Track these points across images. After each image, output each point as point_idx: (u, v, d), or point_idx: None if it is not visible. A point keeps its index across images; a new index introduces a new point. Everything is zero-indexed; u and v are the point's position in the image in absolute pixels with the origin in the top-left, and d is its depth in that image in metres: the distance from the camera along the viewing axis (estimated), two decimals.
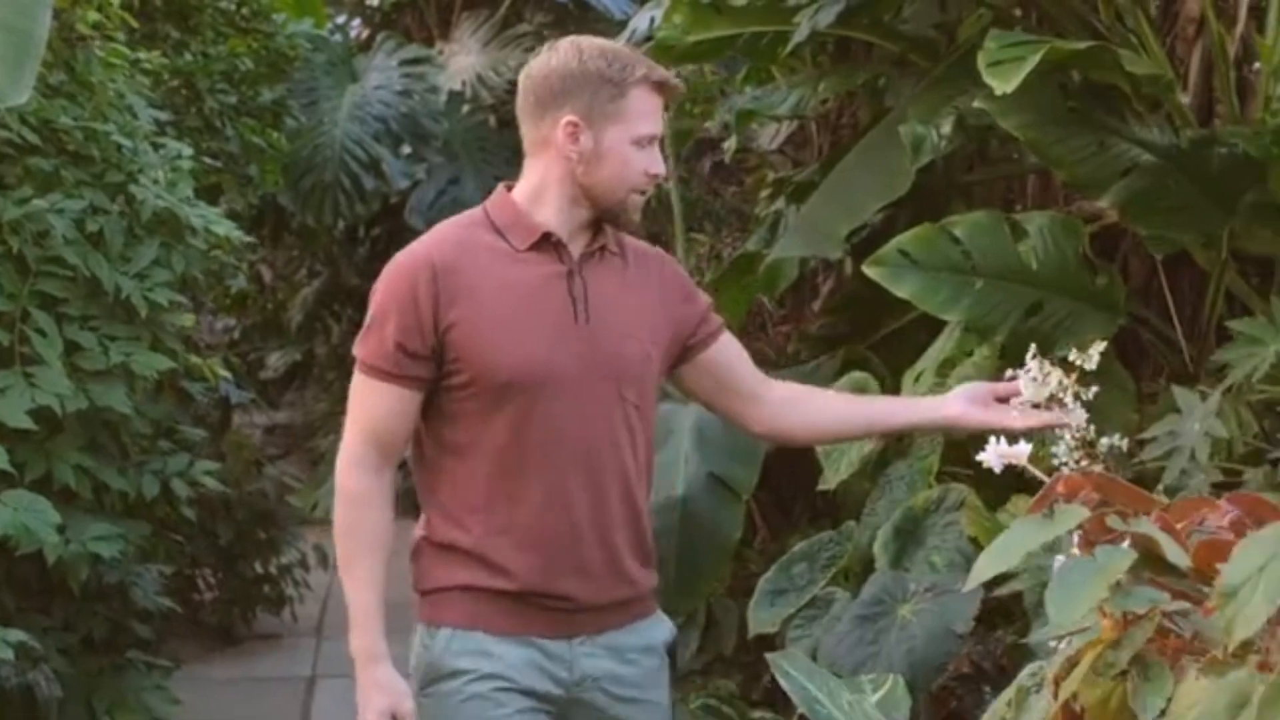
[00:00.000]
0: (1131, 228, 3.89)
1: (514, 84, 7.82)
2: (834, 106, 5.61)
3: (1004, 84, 3.35)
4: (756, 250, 4.89)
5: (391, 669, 2.67)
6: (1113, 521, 1.72)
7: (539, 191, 2.67)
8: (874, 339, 4.73)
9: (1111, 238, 4.22)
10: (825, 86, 4.85)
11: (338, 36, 8.87)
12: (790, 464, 4.52)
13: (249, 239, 5.69)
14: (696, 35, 4.73)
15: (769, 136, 6.06)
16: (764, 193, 5.87)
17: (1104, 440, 2.83)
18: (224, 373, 5.39)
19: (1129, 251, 4.22)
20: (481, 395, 2.62)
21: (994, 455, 1.92)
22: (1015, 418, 2.56)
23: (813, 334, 5.08)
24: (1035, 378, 2.53)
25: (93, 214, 4.39)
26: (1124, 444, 3.02)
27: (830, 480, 4.00)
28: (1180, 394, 3.33)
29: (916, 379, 3.75)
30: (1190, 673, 1.53)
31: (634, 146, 2.62)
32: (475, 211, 2.74)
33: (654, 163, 2.67)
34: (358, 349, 2.70)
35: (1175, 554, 1.68)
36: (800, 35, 4.33)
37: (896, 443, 3.94)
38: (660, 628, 2.81)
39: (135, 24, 5.49)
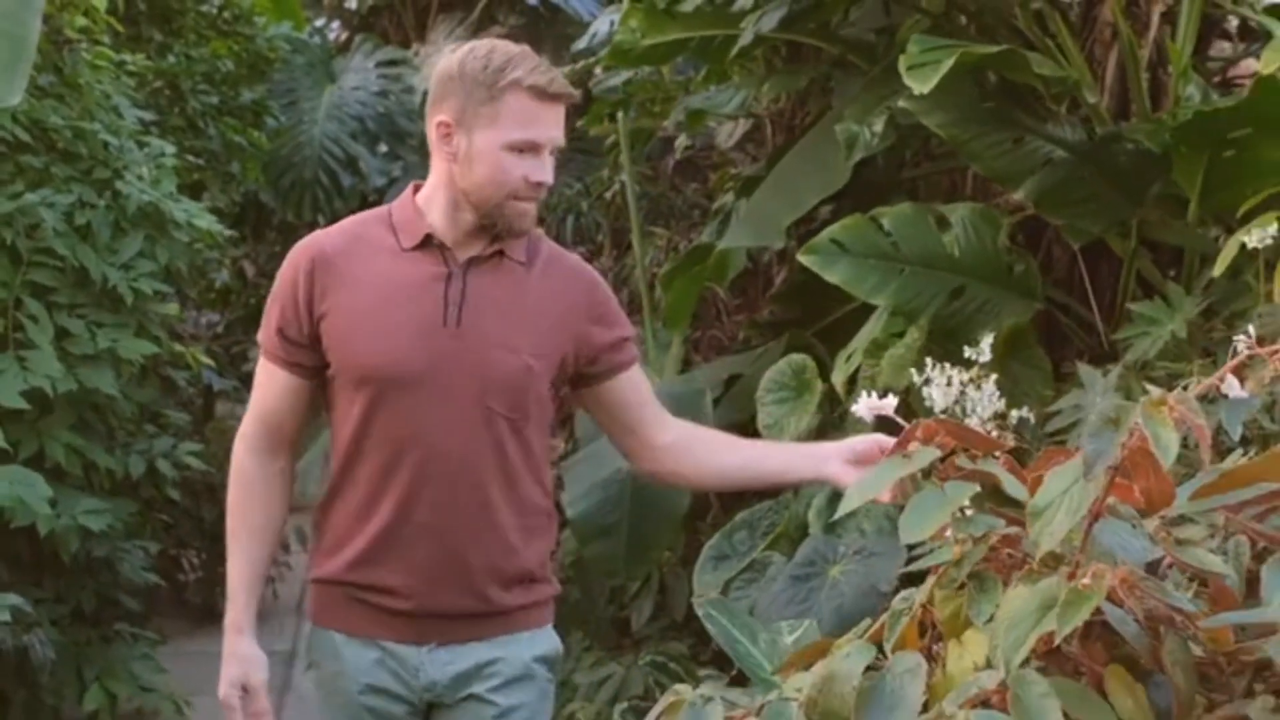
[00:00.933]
0: (1047, 218, 4.15)
1: None
2: (787, 105, 5.85)
3: (922, 85, 3.59)
4: (709, 242, 5.12)
5: (250, 641, 2.72)
6: (961, 461, 2.00)
7: (431, 193, 2.67)
8: (820, 325, 4.94)
9: (1036, 228, 4.44)
10: (769, 87, 5.09)
11: (316, 39, 8.94)
12: None
13: (231, 233, 5.91)
14: (651, 39, 4.91)
15: (726, 134, 6.31)
16: (725, 188, 6.10)
17: (1014, 413, 3.12)
18: (206, 360, 5.63)
19: (1052, 241, 4.46)
20: (344, 386, 2.65)
21: (865, 408, 2.20)
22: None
23: (763, 321, 5.30)
24: (945, 383, 2.80)
25: (81, 208, 4.60)
26: (1032, 416, 3.31)
27: None
28: (1084, 371, 3.59)
29: (848, 359, 4.00)
30: (1014, 583, 1.82)
31: (509, 152, 2.57)
32: (384, 208, 2.74)
33: (536, 170, 2.61)
34: (259, 332, 2.76)
35: (1014, 487, 1.96)
36: (744, 40, 4.58)
37: (833, 419, 4.19)
38: (535, 643, 2.78)
39: (120, 28, 5.70)
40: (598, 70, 5.85)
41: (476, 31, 8.93)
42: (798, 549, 3.84)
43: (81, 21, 5.05)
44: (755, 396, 4.30)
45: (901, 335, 4.00)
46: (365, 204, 8.62)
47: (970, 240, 3.99)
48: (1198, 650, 1.75)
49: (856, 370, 3.98)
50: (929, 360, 2.78)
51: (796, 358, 4.28)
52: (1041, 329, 4.26)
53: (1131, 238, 4.07)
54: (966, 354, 2.91)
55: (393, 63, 8.80)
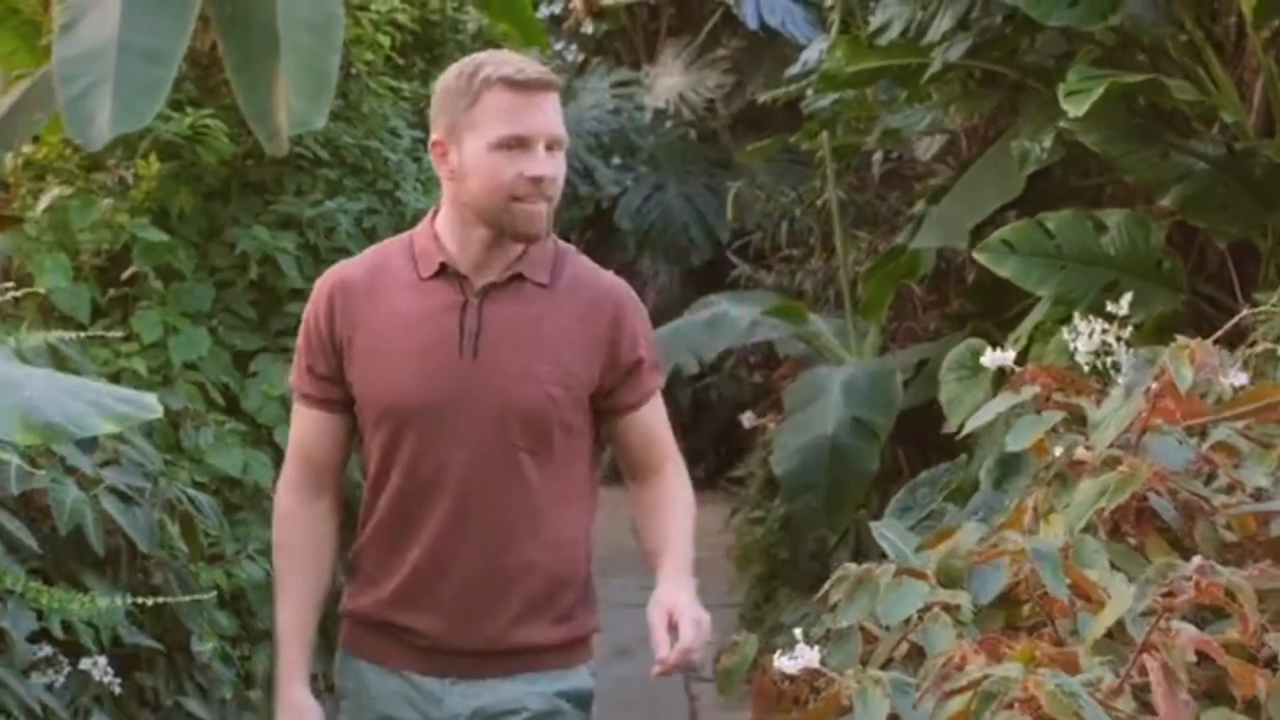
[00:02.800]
0: (1192, 221, 4.77)
1: (712, 102, 8.96)
2: (980, 121, 6.53)
3: (1077, 109, 4.26)
4: (903, 243, 5.85)
5: (303, 689, 2.63)
6: (1057, 395, 2.73)
7: (444, 219, 2.57)
8: (1001, 318, 5.56)
9: (1189, 230, 5.05)
10: (957, 108, 5.80)
11: (557, 61, 9.75)
12: (925, 418, 5.49)
13: None
14: (854, 67, 5.66)
15: (924, 148, 7.02)
16: (921, 196, 6.80)
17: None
18: None
19: (1204, 241, 5.07)
20: (367, 421, 2.58)
21: (990, 359, 2.89)
22: (663, 655, 2.42)
23: (952, 314, 6.00)
24: (1090, 331, 3.27)
25: (368, 214, 5.39)
26: None
27: (952, 424, 4.95)
28: (1213, 350, 4.20)
29: (1015, 341, 4.67)
30: (1083, 479, 2.53)
31: (498, 152, 2.45)
32: (407, 234, 2.66)
33: (530, 164, 2.46)
34: (291, 375, 2.69)
35: (1094, 415, 2.68)
36: (934, 68, 5.30)
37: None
38: (564, 680, 2.66)
39: (400, 61, 6.56)
40: (809, 92, 6.60)
41: (701, 54, 9.70)
42: (968, 501, 4.50)
43: (369, 56, 5.92)
44: (939, 376, 4.99)
45: (1062, 322, 4.65)
46: (599, 211, 9.48)
47: (1124, 241, 4.62)
48: (1230, 535, 2.45)
49: (1025, 350, 4.64)
50: (1076, 314, 3.31)
51: (974, 341, 4.93)
52: (1191, 319, 4.86)
53: (1269, 238, 4.67)
54: (1108, 308, 3.28)
55: (625, 83, 9.57)
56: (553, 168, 2.51)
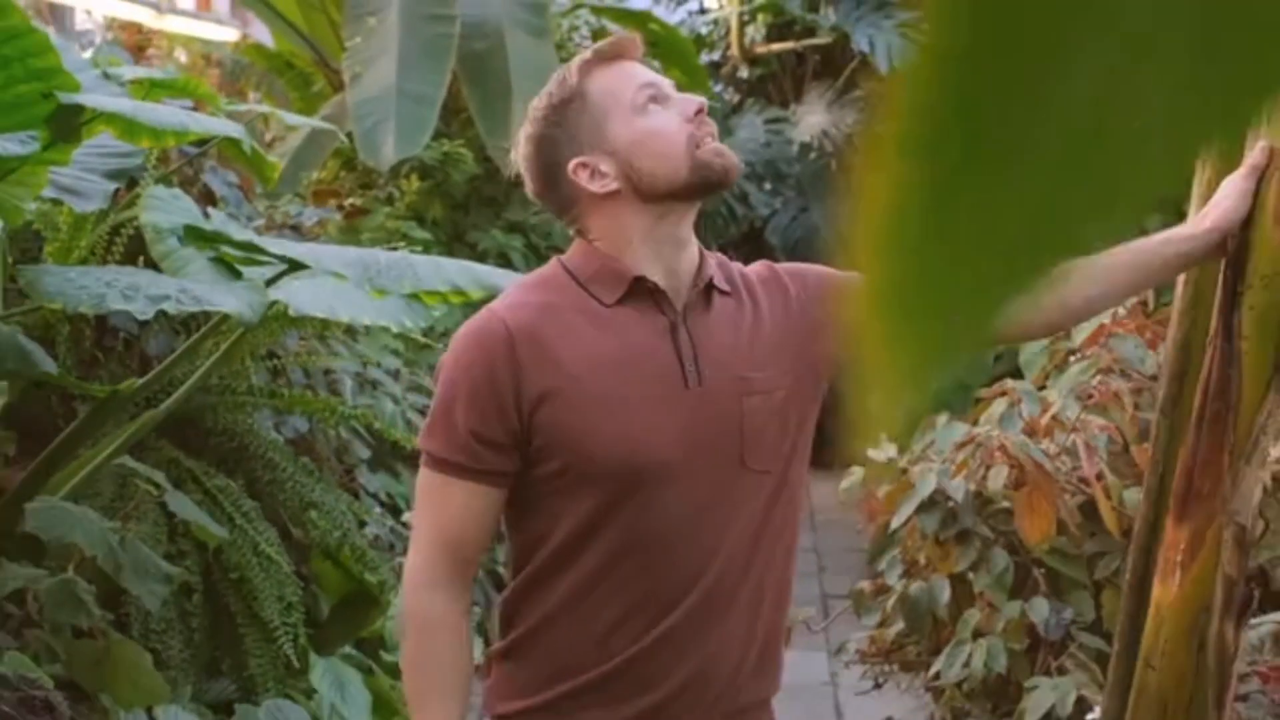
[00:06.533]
0: None
1: (851, 136, 10.37)
2: None
3: None
4: None
5: None
6: None
7: (615, 237, 2.07)
8: None
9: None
10: None
11: (716, 103, 10.97)
12: None
13: None
14: None
15: None
16: None
17: None
18: None
19: None
20: (566, 485, 2.04)
21: None
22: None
23: None
24: None
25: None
26: None
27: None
28: None
29: None
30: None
31: (644, 113, 2.06)
32: (548, 267, 2.15)
33: (679, 106, 2.08)
34: (424, 440, 2.10)
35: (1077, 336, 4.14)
36: None
37: None
38: None
39: None
40: None
41: (841, 95, 10.87)
42: None
43: None
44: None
45: None
46: (753, 230, 10.71)
47: None
48: None
49: None
50: None
51: None
52: None
53: None
54: None
55: (775, 120, 10.66)
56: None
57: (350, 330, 4.82)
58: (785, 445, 2.12)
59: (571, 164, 2.06)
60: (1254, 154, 2.14)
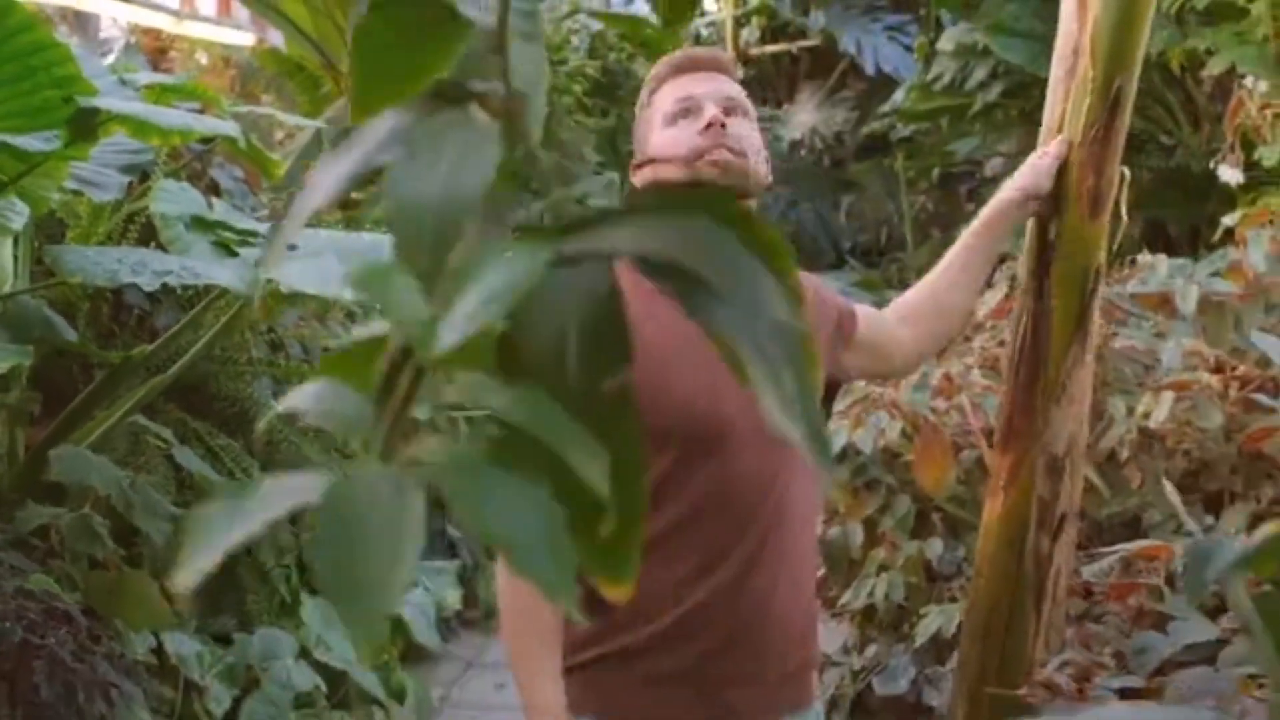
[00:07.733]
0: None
1: (839, 135, 10.96)
2: (1020, 148, 8.38)
3: None
4: None
5: None
6: None
7: None
8: None
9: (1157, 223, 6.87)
10: (991, 139, 7.70)
11: None
12: None
13: None
14: (922, 106, 7.63)
15: (990, 168, 8.93)
16: None
17: None
18: None
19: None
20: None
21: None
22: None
23: None
24: None
25: None
26: None
27: None
28: None
29: None
30: None
31: (670, 126, 2.23)
32: None
33: (701, 120, 2.21)
34: None
35: None
36: (976, 108, 7.20)
37: None
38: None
39: (588, 103, 8.48)
40: (899, 125, 8.59)
41: (830, 95, 11.34)
42: None
43: (566, 100, 7.87)
44: None
45: None
46: None
47: None
48: None
49: None
50: None
51: None
52: None
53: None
54: None
55: (767, 118, 10.88)
56: (729, 121, 2.23)
57: (351, 314, 5.24)
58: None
59: (632, 163, 2.32)
60: (1055, 145, 2.55)
